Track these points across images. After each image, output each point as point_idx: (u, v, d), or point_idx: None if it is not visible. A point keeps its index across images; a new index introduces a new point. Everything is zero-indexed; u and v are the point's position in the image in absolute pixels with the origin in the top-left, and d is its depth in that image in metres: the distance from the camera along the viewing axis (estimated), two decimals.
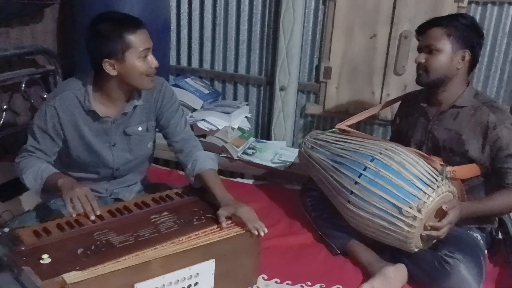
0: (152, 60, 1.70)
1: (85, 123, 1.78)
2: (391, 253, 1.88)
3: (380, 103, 2.73)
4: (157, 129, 1.95)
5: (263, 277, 1.82)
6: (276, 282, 1.82)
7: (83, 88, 1.76)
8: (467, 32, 1.85)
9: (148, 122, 1.88)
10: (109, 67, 1.67)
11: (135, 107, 1.82)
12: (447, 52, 1.84)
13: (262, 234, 1.62)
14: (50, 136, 1.76)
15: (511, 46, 2.59)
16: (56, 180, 1.66)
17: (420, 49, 1.91)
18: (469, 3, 2.54)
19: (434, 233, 1.72)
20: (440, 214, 1.75)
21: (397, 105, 2.25)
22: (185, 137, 1.92)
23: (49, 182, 1.69)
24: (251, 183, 2.62)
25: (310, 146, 2.15)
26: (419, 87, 2.05)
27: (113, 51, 1.64)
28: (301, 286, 1.81)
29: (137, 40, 1.66)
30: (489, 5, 2.55)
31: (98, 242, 1.52)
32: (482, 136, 1.85)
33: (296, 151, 2.65)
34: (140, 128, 1.86)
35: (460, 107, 1.90)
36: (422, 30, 1.90)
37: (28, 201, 2.17)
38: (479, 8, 2.57)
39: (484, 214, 1.85)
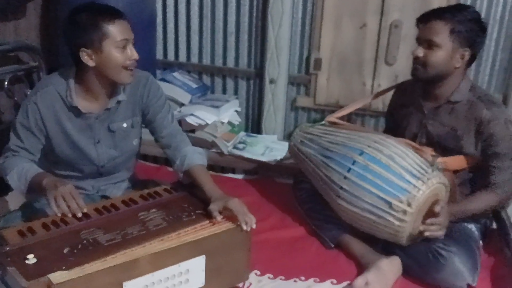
0: (131, 52, 1.66)
1: (68, 119, 1.74)
2: (384, 245, 1.86)
3: (371, 93, 2.70)
4: (143, 125, 1.91)
5: (255, 273, 1.79)
6: (269, 277, 1.79)
7: (65, 84, 1.72)
8: (470, 29, 1.78)
9: (133, 118, 1.84)
10: (87, 57, 1.64)
11: (118, 102, 1.77)
12: (447, 49, 1.78)
13: (249, 229, 1.59)
14: (33, 133, 1.72)
15: (502, 34, 2.57)
16: (40, 180, 1.62)
17: (419, 41, 1.84)
18: None
19: (436, 233, 1.69)
20: (431, 206, 1.73)
21: (388, 95, 2.23)
22: (172, 132, 1.88)
23: (33, 182, 1.65)
24: (242, 178, 2.59)
25: (299, 140, 2.12)
26: (410, 77, 2.02)
27: (90, 40, 1.61)
28: (295, 281, 1.79)
29: (115, 30, 1.62)
30: None
31: (84, 241, 1.48)
32: (475, 132, 1.82)
33: (287, 145, 2.61)
34: (125, 124, 1.82)
35: (455, 102, 1.86)
36: (424, 20, 1.82)
37: (14, 200, 2.13)
38: None
39: (466, 215, 1.82)
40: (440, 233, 1.70)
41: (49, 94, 1.71)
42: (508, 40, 2.58)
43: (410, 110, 1.99)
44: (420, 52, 1.82)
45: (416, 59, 1.84)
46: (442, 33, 1.77)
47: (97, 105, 1.75)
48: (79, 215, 1.57)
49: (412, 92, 1.99)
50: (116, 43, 1.63)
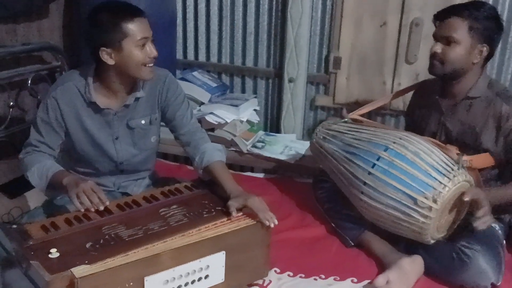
0: (150, 50, 1.67)
1: (87, 115, 1.76)
2: (406, 244, 1.84)
3: (391, 93, 2.68)
4: (163, 123, 1.93)
5: (275, 271, 1.79)
6: (289, 275, 1.79)
7: (84, 80, 1.74)
8: (488, 26, 1.78)
9: (152, 115, 1.85)
10: (106, 56, 1.66)
11: (137, 99, 1.79)
12: (466, 46, 1.78)
13: (272, 225, 1.59)
14: (53, 128, 1.75)
15: None
16: (61, 178, 1.65)
17: (436, 38, 1.84)
18: None
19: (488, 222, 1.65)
20: (458, 204, 1.70)
21: (409, 94, 2.21)
22: (192, 129, 1.89)
23: (54, 180, 1.67)
24: (261, 177, 2.58)
25: (322, 137, 2.11)
26: (431, 76, 2.00)
27: (110, 39, 1.63)
28: (315, 279, 1.78)
29: (135, 28, 1.63)
30: None
31: (107, 236, 1.49)
32: (495, 128, 1.80)
33: (306, 144, 2.61)
34: (143, 121, 1.84)
35: (473, 98, 1.85)
36: (442, 17, 1.83)
37: (35, 198, 2.16)
38: None
39: (502, 203, 1.79)
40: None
41: (69, 90, 1.74)
42: None
43: (428, 109, 1.98)
44: (439, 48, 1.81)
45: (433, 55, 1.84)
46: (460, 29, 1.77)
47: (116, 102, 1.77)
48: (101, 208, 1.58)
49: (430, 92, 1.98)
50: (136, 42, 1.64)
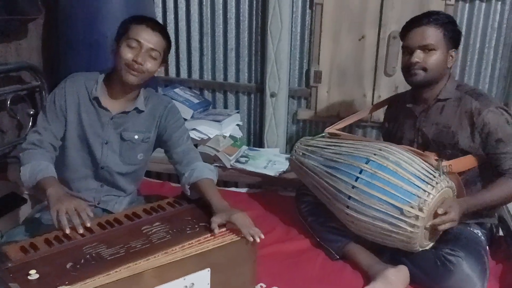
0: (137, 54, 1.71)
1: (86, 110, 1.81)
2: (391, 254, 1.84)
3: (372, 105, 2.70)
4: (158, 146, 1.95)
5: (261, 286, 1.77)
6: None
7: (95, 79, 1.82)
8: (455, 32, 1.88)
9: (146, 133, 1.88)
10: (114, 50, 1.76)
11: (138, 112, 1.84)
12: (443, 51, 1.85)
13: (258, 240, 1.57)
14: (58, 116, 1.80)
15: (500, 43, 2.59)
16: (46, 187, 1.62)
17: (410, 48, 1.87)
18: (457, 0, 2.54)
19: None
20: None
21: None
22: (186, 149, 1.90)
23: (40, 184, 1.66)
24: (245, 191, 2.58)
25: (301, 153, 2.11)
26: (408, 88, 2.03)
27: (119, 34, 1.75)
28: None
29: (134, 29, 1.72)
30: (477, 1, 2.56)
31: (88, 256, 1.46)
32: (469, 125, 1.84)
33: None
34: (136, 136, 1.86)
35: (444, 100, 1.90)
36: (414, 27, 1.86)
37: (25, 214, 2.13)
38: (467, 5, 2.57)
39: (486, 207, 1.81)
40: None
41: (77, 83, 1.82)
42: (507, 48, 2.59)
43: (402, 118, 2.02)
44: (419, 58, 1.85)
45: (414, 65, 1.86)
46: (437, 36, 1.84)
47: (116, 106, 1.82)
48: (80, 231, 1.55)
49: (402, 102, 2.03)
50: (128, 41, 1.71)
